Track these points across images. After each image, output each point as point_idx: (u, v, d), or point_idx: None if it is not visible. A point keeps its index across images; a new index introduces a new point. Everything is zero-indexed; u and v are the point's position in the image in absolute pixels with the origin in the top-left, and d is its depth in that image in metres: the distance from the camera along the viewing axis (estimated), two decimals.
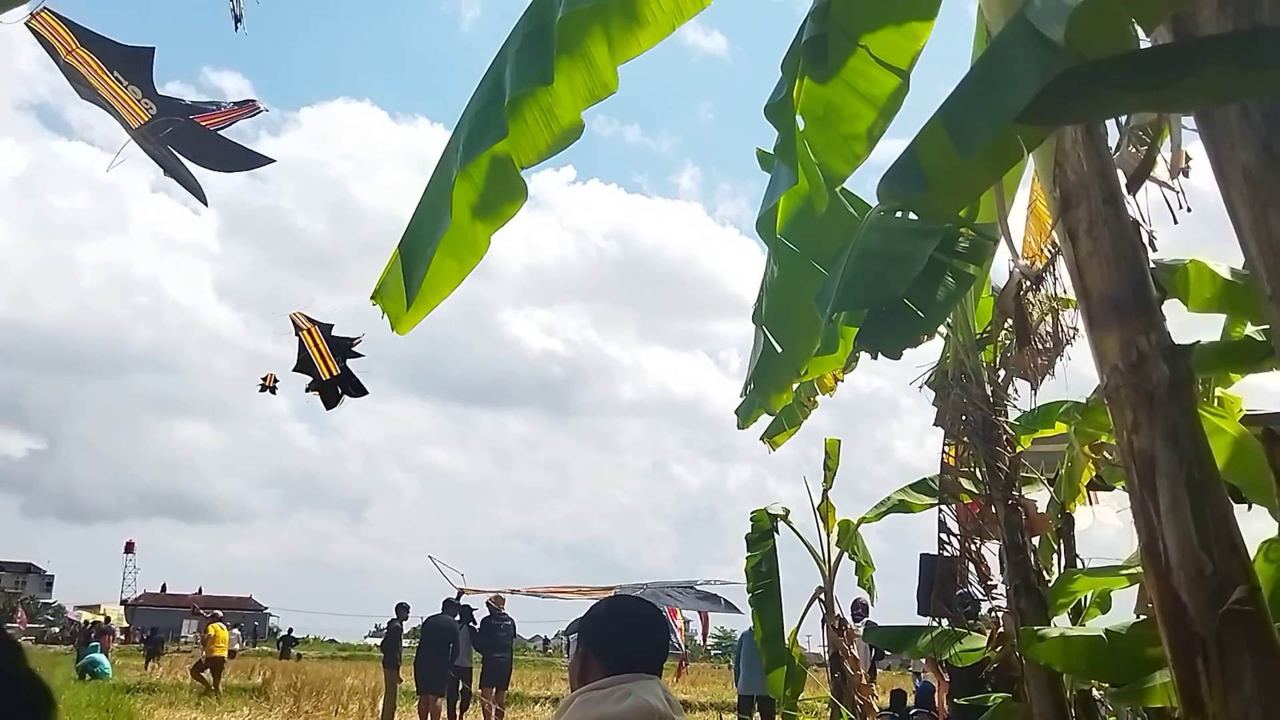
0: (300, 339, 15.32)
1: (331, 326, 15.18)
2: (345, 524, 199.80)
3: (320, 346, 15.38)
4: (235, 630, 51.76)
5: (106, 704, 15.95)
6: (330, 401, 15.17)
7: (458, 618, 17.49)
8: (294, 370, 15.49)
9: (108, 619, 52.04)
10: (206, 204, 10.01)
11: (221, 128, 9.47)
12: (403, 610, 19.08)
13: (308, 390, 15.36)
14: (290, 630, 60.47)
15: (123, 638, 41.27)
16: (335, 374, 15.20)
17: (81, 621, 40.77)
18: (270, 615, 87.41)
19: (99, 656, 25.46)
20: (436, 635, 17.05)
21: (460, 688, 17.52)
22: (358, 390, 15.58)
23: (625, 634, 2.43)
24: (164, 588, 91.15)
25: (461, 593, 18.63)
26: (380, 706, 18.05)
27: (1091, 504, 7.04)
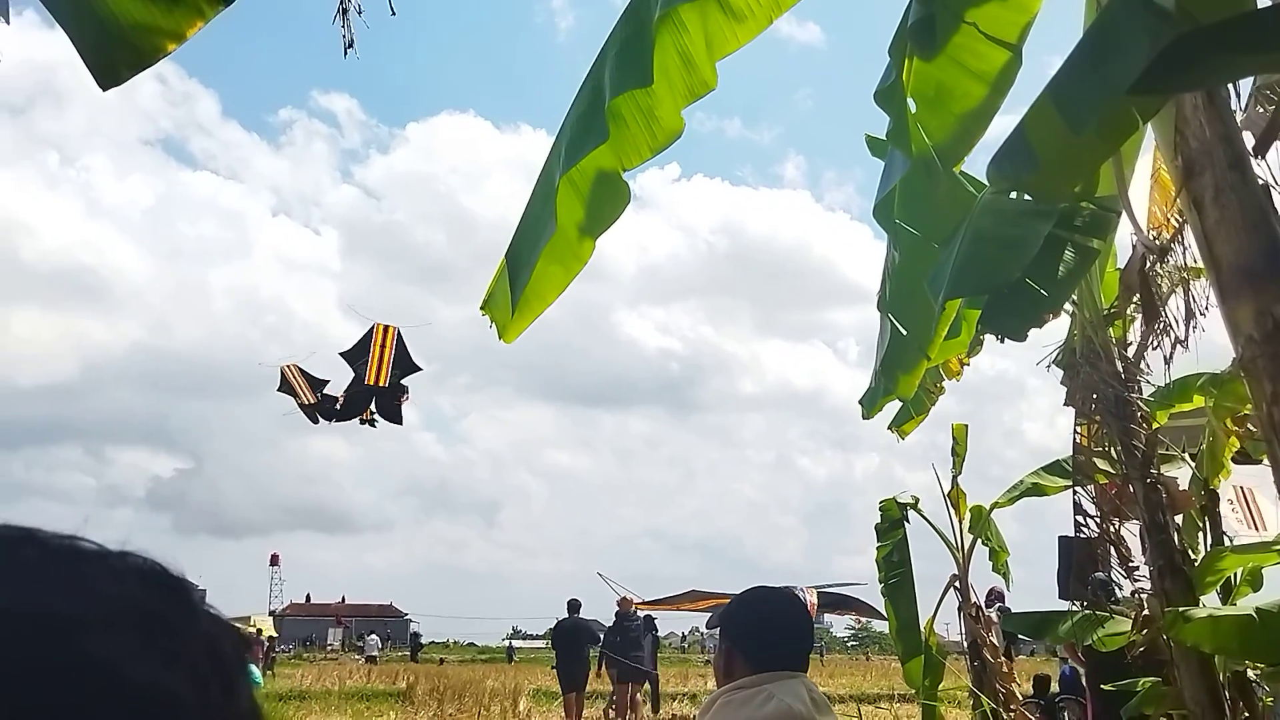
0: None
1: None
2: (478, 529, 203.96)
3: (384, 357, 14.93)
4: (373, 636, 53.43)
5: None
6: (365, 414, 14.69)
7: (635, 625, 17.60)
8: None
9: (260, 630, 54.17)
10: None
11: None
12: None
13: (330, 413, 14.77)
14: (418, 633, 62.10)
15: (282, 648, 42.87)
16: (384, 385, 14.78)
17: None
18: (410, 621, 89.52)
19: (249, 666, 26.44)
20: (570, 637, 17.29)
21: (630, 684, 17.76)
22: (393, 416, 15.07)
23: (768, 628, 2.36)
24: (308, 598, 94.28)
25: (635, 607, 18.62)
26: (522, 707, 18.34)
27: None
